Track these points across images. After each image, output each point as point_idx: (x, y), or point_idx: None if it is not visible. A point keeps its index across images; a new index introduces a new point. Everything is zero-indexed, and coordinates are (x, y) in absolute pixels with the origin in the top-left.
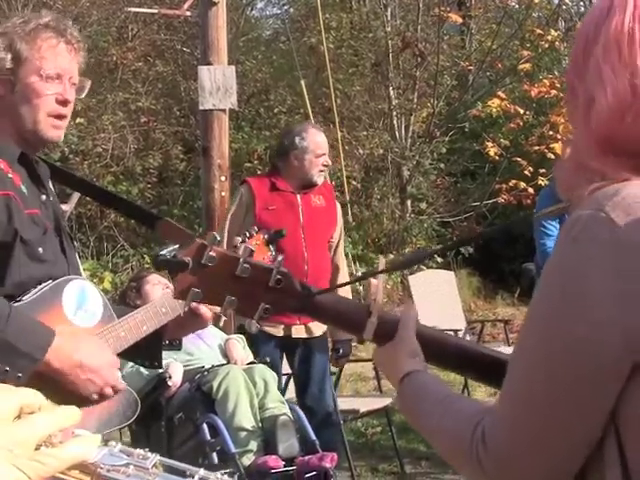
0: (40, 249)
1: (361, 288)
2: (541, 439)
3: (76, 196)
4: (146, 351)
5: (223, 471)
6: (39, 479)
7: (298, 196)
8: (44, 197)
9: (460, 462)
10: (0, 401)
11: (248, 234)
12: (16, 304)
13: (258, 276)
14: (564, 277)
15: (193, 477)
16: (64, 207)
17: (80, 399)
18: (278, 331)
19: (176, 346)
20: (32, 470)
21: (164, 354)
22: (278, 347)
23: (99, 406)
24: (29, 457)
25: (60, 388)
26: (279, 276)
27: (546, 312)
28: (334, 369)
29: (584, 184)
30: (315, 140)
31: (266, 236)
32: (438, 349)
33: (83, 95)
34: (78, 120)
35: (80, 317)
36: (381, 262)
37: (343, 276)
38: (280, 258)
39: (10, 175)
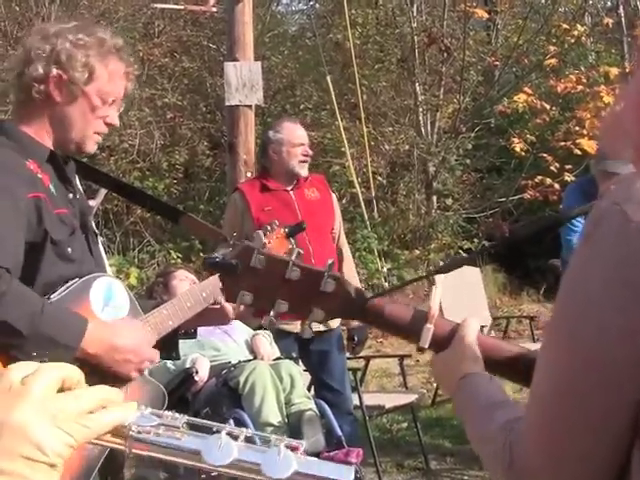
0: (69, 249)
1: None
2: (566, 453)
3: (103, 192)
4: (163, 343)
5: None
6: (83, 441)
7: (291, 192)
8: (71, 195)
9: (495, 471)
10: (44, 373)
11: (270, 228)
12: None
13: (309, 280)
14: (579, 273)
15: (220, 432)
16: (91, 203)
17: (120, 379)
18: (295, 327)
19: (191, 335)
20: (77, 432)
21: (190, 348)
22: (296, 343)
23: (127, 399)
24: (73, 421)
25: (98, 371)
26: (330, 280)
27: (563, 314)
28: (358, 365)
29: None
30: (290, 130)
31: (286, 230)
32: (502, 359)
33: (117, 113)
34: None
35: (107, 313)
36: (438, 282)
37: (349, 265)
38: (331, 262)
39: (40, 175)
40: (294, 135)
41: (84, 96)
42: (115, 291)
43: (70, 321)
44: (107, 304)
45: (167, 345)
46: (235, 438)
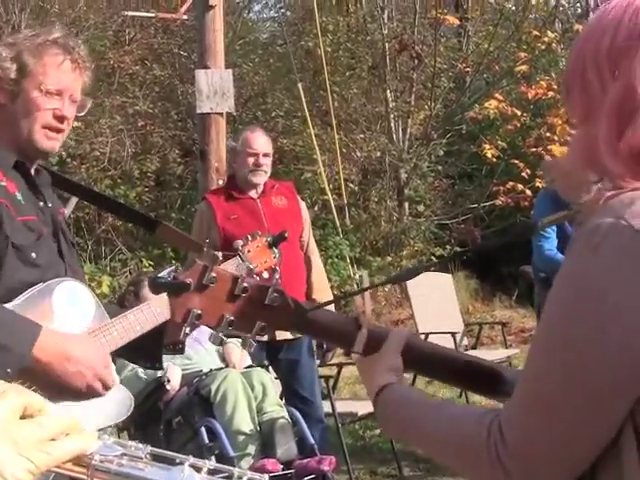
0: (33, 254)
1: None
2: (564, 431)
3: (74, 200)
4: (146, 352)
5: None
6: (44, 468)
7: (258, 200)
8: (41, 204)
9: (470, 463)
10: (6, 399)
11: (250, 237)
12: (5, 305)
13: (255, 294)
14: (587, 287)
15: (183, 464)
16: None
17: (70, 393)
18: (262, 336)
19: (179, 350)
20: (38, 459)
21: (165, 358)
22: (264, 351)
23: (92, 404)
24: (35, 447)
25: (51, 383)
26: (275, 294)
27: (567, 321)
28: (331, 372)
29: (589, 185)
30: (246, 140)
31: (269, 239)
32: (429, 360)
33: (83, 113)
34: (75, 124)
35: (71, 317)
36: (365, 278)
37: (318, 273)
38: (277, 276)
39: (3, 183)
40: (249, 144)
41: (23, 92)
42: (80, 295)
43: (22, 327)
44: (71, 308)
45: (150, 355)
46: (198, 470)
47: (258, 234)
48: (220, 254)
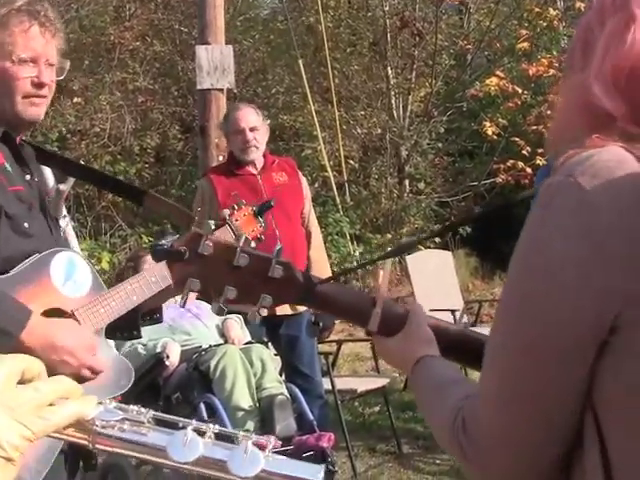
0: (26, 224)
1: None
2: (517, 423)
3: None
4: (124, 322)
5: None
6: (41, 434)
7: (258, 176)
8: (28, 177)
9: (447, 448)
10: (3, 364)
11: (236, 207)
12: (2, 276)
13: (257, 266)
14: (534, 245)
15: (186, 428)
16: (61, 187)
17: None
18: (262, 311)
19: (157, 319)
20: (35, 425)
21: (161, 332)
22: (263, 327)
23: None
24: (32, 413)
25: None
26: (278, 266)
27: (515, 286)
28: (331, 348)
29: (579, 133)
30: (233, 117)
31: (254, 208)
32: (456, 342)
33: (62, 76)
34: (75, 100)
35: (69, 287)
36: (387, 265)
37: (317, 248)
38: (279, 247)
39: None
40: (233, 123)
41: None
42: (77, 265)
43: (13, 309)
44: (69, 278)
45: (128, 324)
46: (202, 434)
47: (243, 203)
48: (212, 222)
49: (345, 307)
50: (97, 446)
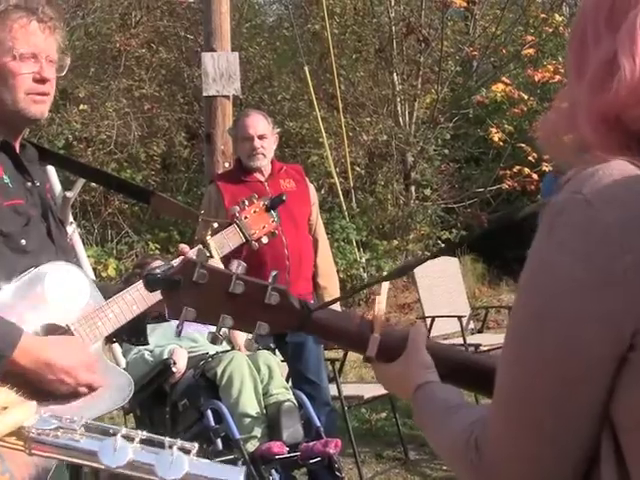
0: (22, 240)
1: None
2: (532, 444)
3: (80, 183)
4: (130, 327)
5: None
6: None
7: (265, 183)
8: (29, 184)
9: (459, 473)
10: None
11: (247, 202)
12: None
13: (253, 293)
14: (541, 266)
15: (116, 434)
16: (68, 194)
17: (55, 398)
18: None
19: (162, 319)
20: None
21: (168, 339)
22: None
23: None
24: None
25: (36, 387)
26: (274, 293)
27: (525, 307)
28: (337, 355)
29: (567, 148)
30: (242, 124)
31: (267, 202)
32: (452, 365)
33: (63, 73)
34: (82, 107)
35: (65, 301)
36: (384, 288)
37: (324, 256)
38: (274, 274)
39: None
40: (242, 129)
41: None
42: (73, 278)
43: (3, 329)
44: (65, 291)
45: (135, 330)
46: (131, 440)
47: (255, 197)
48: (216, 223)
49: (342, 333)
50: (33, 452)
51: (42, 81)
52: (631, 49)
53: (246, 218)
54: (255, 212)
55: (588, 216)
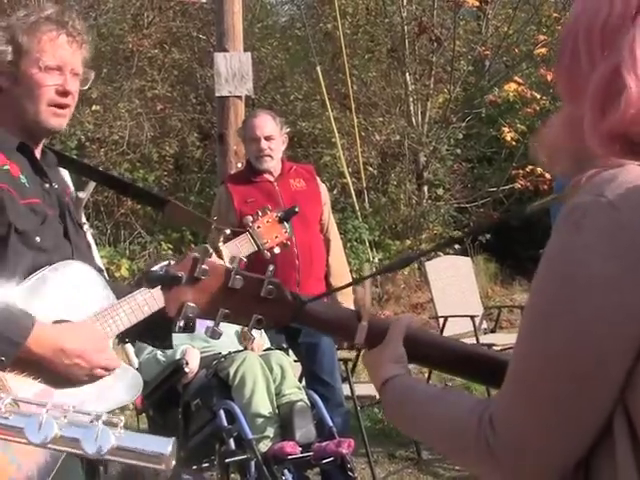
0: (38, 238)
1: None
2: (552, 421)
3: (92, 184)
4: (156, 332)
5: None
6: None
7: (275, 183)
8: (47, 185)
9: (464, 453)
10: None
11: (261, 213)
12: (10, 290)
13: (250, 287)
14: (568, 265)
15: (45, 406)
16: (80, 195)
17: (71, 382)
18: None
19: (189, 329)
20: None
21: (180, 339)
22: (282, 332)
23: (97, 386)
24: None
25: (51, 373)
26: (270, 286)
27: (551, 299)
28: (350, 355)
29: (570, 161)
30: (250, 124)
31: (279, 214)
32: (436, 352)
33: (87, 87)
34: (94, 108)
35: (78, 300)
36: (365, 268)
37: (337, 256)
38: (271, 268)
39: (6, 167)
40: (249, 130)
41: (23, 73)
42: (87, 277)
43: (17, 317)
44: (78, 290)
45: (160, 335)
46: (57, 416)
47: (268, 209)
48: (229, 230)
49: (333, 323)
50: None
51: (65, 94)
52: (634, 68)
53: (259, 228)
54: (268, 222)
55: (614, 219)
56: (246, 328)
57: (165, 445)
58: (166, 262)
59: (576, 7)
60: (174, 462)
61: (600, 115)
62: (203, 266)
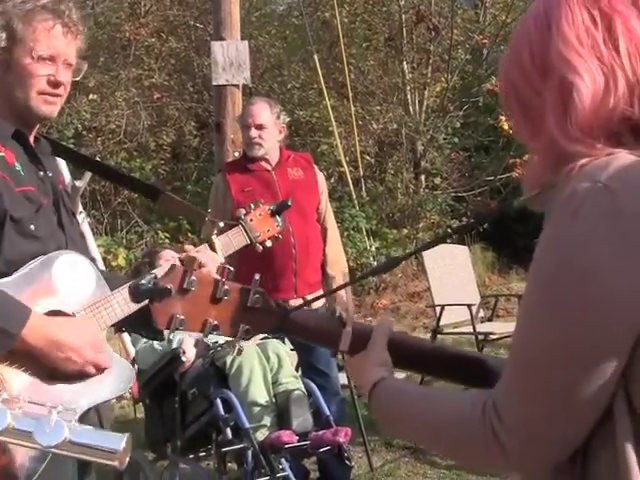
0: (32, 226)
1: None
2: (551, 408)
3: (89, 173)
4: (148, 322)
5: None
6: None
7: (273, 172)
8: (42, 173)
9: (470, 444)
10: None
11: (253, 206)
12: (4, 279)
13: (236, 297)
14: (565, 253)
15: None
16: (77, 183)
17: (62, 377)
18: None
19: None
20: None
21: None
22: None
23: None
24: None
25: (42, 366)
26: (257, 295)
27: (552, 285)
28: None
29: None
30: (245, 111)
31: (272, 207)
32: (416, 355)
33: (79, 77)
34: (91, 96)
35: (72, 290)
36: (344, 276)
37: (334, 245)
38: (257, 277)
39: (2, 153)
40: (245, 116)
41: (15, 61)
42: (80, 267)
43: (12, 307)
44: (71, 281)
45: (153, 325)
46: (11, 407)
47: (261, 202)
48: (222, 223)
49: (316, 331)
50: None
51: (56, 84)
52: (574, 69)
53: (252, 220)
54: (261, 215)
55: (613, 204)
56: (233, 339)
57: (119, 441)
58: (152, 275)
59: (502, 68)
60: (128, 459)
61: (564, 118)
62: (192, 277)
